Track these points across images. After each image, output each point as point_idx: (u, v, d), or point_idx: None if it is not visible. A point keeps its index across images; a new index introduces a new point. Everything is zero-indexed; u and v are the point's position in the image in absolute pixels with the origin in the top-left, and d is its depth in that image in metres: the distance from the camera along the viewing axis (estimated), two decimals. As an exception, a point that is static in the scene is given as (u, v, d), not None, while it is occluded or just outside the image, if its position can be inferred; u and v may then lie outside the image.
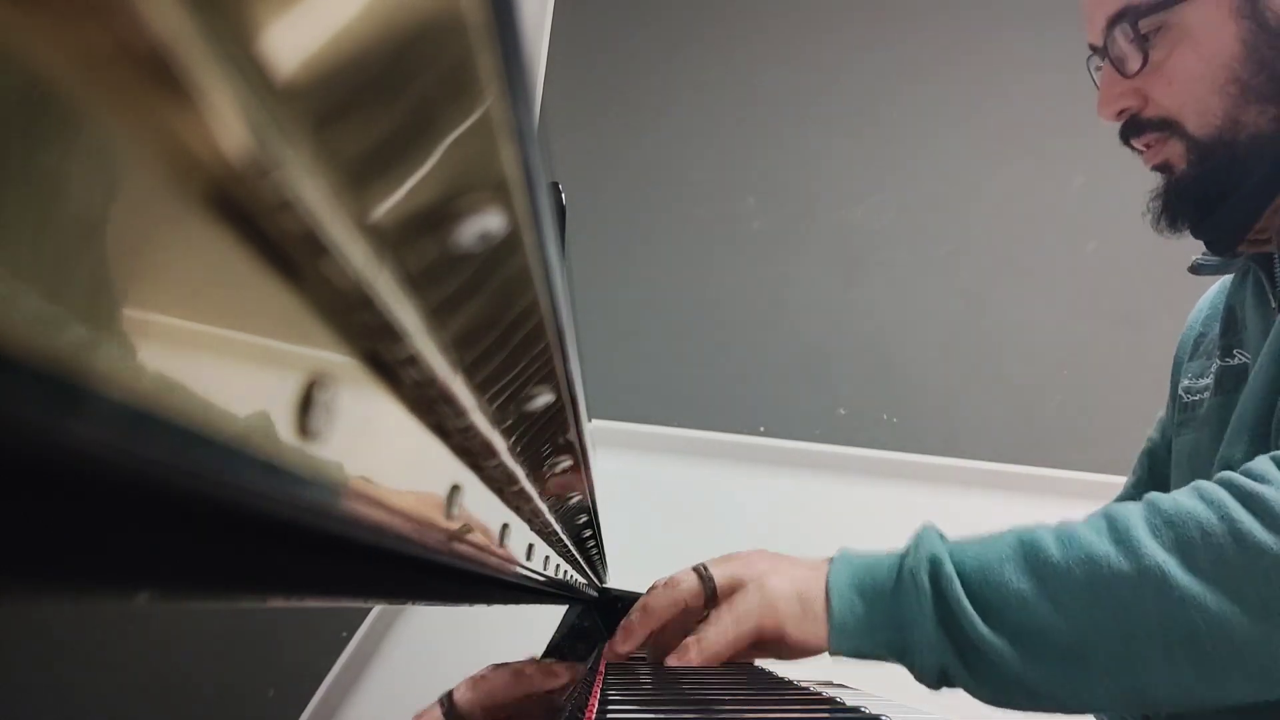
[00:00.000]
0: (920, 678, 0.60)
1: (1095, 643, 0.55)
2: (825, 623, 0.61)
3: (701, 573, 0.64)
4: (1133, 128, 0.76)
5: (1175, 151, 0.73)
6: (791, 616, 0.61)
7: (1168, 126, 0.73)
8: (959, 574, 0.58)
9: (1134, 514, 0.57)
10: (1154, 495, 0.58)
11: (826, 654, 0.62)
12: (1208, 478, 0.73)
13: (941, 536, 0.63)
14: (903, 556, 0.61)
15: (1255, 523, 0.53)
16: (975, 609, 0.57)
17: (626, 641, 0.65)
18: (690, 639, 0.61)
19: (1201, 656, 0.53)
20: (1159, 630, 0.54)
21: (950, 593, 0.58)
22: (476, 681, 0.65)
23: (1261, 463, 0.57)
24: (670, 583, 0.65)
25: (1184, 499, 0.57)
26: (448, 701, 0.64)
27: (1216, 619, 0.53)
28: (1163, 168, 0.75)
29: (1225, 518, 0.54)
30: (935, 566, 0.59)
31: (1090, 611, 0.55)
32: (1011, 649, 0.56)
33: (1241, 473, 0.57)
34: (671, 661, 0.62)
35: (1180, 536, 0.55)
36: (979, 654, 0.57)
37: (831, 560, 0.64)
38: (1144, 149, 0.76)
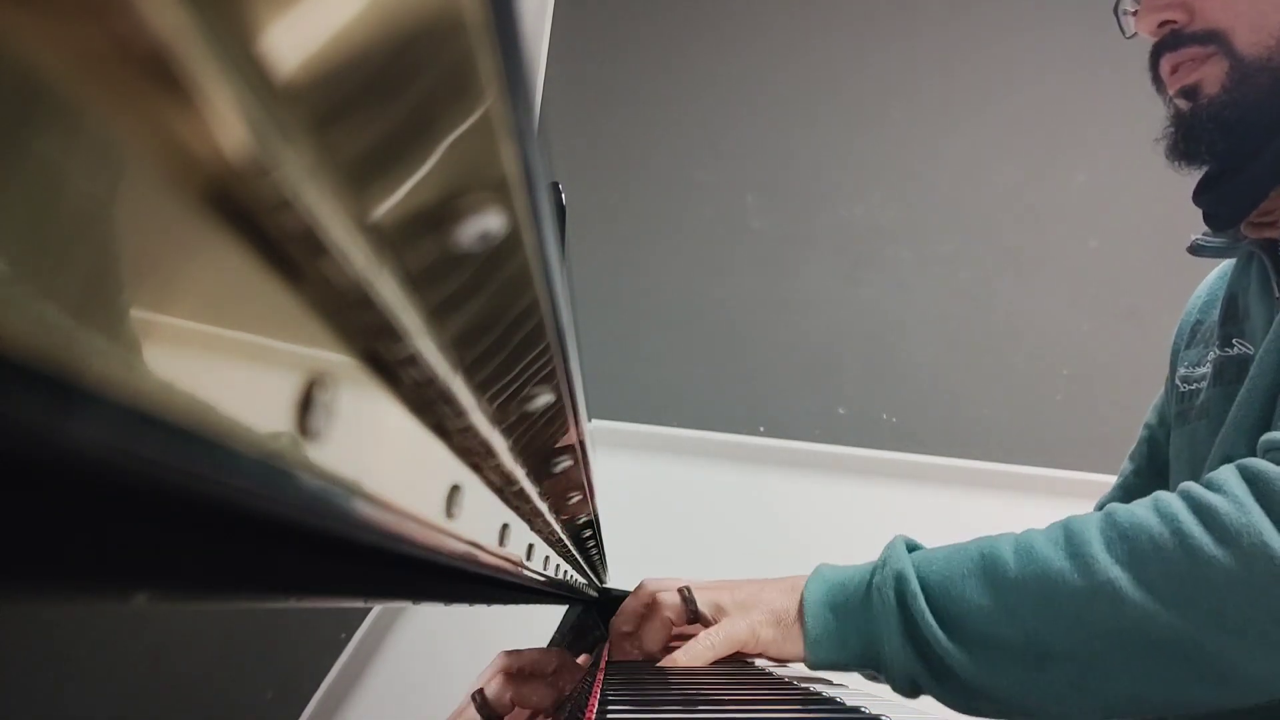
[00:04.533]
0: (894, 687, 0.63)
1: (1052, 655, 0.57)
2: (801, 639, 0.64)
3: (685, 595, 0.68)
4: (1170, 43, 0.70)
5: (1213, 72, 0.68)
6: (772, 642, 0.65)
7: (1213, 40, 0.68)
8: (923, 589, 0.61)
9: (1091, 527, 0.58)
10: (1113, 507, 0.59)
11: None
12: (1206, 471, 0.72)
13: (910, 548, 0.65)
14: (872, 572, 0.64)
15: (1206, 535, 0.54)
16: (938, 623, 0.60)
17: (615, 648, 0.70)
18: (679, 650, 0.66)
19: (1159, 668, 0.54)
20: (1115, 643, 0.55)
21: (915, 608, 0.60)
22: (509, 660, 0.67)
23: (1224, 472, 0.57)
24: (654, 605, 0.70)
25: (1140, 511, 0.58)
26: (480, 697, 0.65)
27: (1170, 632, 0.54)
28: (1190, 92, 0.70)
29: (1177, 531, 0.55)
30: (901, 583, 0.62)
31: (1046, 625, 0.57)
32: (973, 660, 0.59)
33: (1202, 483, 0.57)
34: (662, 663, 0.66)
35: (1134, 550, 0.56)
36: (944, 666, 0.60)
37: (808, 578, 0.67)
38: (1171, 72, 0.71)
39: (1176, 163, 0.72)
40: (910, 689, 0.63)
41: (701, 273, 1.80)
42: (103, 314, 0.09)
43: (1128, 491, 0.89)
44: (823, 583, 0.66)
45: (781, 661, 0.67)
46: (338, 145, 0.11)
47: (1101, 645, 0.55)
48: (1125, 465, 0.91)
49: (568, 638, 0.86)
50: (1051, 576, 0.57)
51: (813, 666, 0.65)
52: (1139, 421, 0.91)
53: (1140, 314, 1.78)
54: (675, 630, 0.70)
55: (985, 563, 0.60)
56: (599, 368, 1.68)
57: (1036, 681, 0.58)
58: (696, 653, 0.65)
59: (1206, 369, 0.76)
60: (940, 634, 0.59)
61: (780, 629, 0.65)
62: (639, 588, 0.73)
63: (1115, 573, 0.55)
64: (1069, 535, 0.59)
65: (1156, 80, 0.73)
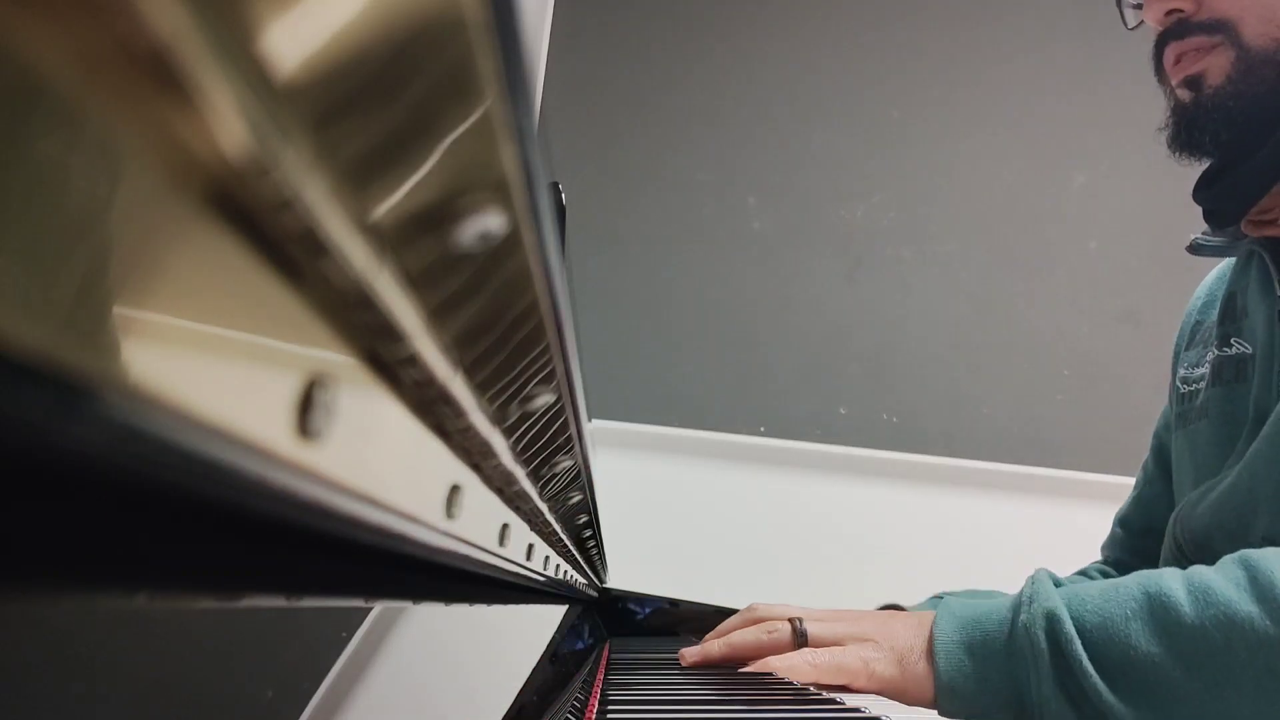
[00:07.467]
0: None
1: (1235, 710, 0.51)
2: (931, 681, 0.58)
3: (796, 627, 0.63)
4: (1176, 32, 0.69)
5: (1219, 62, 0.67)
6: (891, 681, 0.58)
7: (1221, 29, 0.67)
8: (1079, 631, 0.55)
9: (1278, 568, 0.52)
10: None
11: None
12: (1209, 472, 0.72)
13: (1057, 583, 0.59)
14: (1015, 609, 0.58)
15: None
16: (1098, 671, 0.54)
17: (703, 659, 0.66)
18: (777, 658, 0.61)
19: None
20: None
21: (1070, 653, 0.54)
22: None
23: None
24: (766, 629, 0.64)
25: None
26: None
27: None
28: (1193, 82, 0.69)
29: None
30: (1053, 623, 0.55)
31: (1229, 678, 0.51)
32: (1139, 715, 0.53)
33: None
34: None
35: None
36: (1103, 718, 0.54)
37: (936, 613, 0.61)
38: (1175, 62, 0.70)
39: (1178, 154, 0.71)
40: None
41: (702, 273, 1.79)
42: (103, 314, 0.09)
43: (1146, 504, 0.88)
44: (954, 619, 0.59)
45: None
46: (338, 145, 0.11)
47: None
48: (1139, 476, 0.90)
49: (568, 638, 0.86)
50: (1238, 624, 0.51)
51: (944, 713, 0.58)
52: (1139, 422, 0.91)
53: (1140, 315, 1.78)
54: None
55: (1153, 603, 0.53)
56: (599, 368, 1.68)
57: None
58: (794, 665, 0.59)
59: (1205, 369, 0.76)
60: (1100, 684, 0.53)
61: (903, 669, 0.58)
62: (749, 609, 0.68)
63: None
64: (1254, 576, 0.52)
65: (1159, 71, 0.72)
